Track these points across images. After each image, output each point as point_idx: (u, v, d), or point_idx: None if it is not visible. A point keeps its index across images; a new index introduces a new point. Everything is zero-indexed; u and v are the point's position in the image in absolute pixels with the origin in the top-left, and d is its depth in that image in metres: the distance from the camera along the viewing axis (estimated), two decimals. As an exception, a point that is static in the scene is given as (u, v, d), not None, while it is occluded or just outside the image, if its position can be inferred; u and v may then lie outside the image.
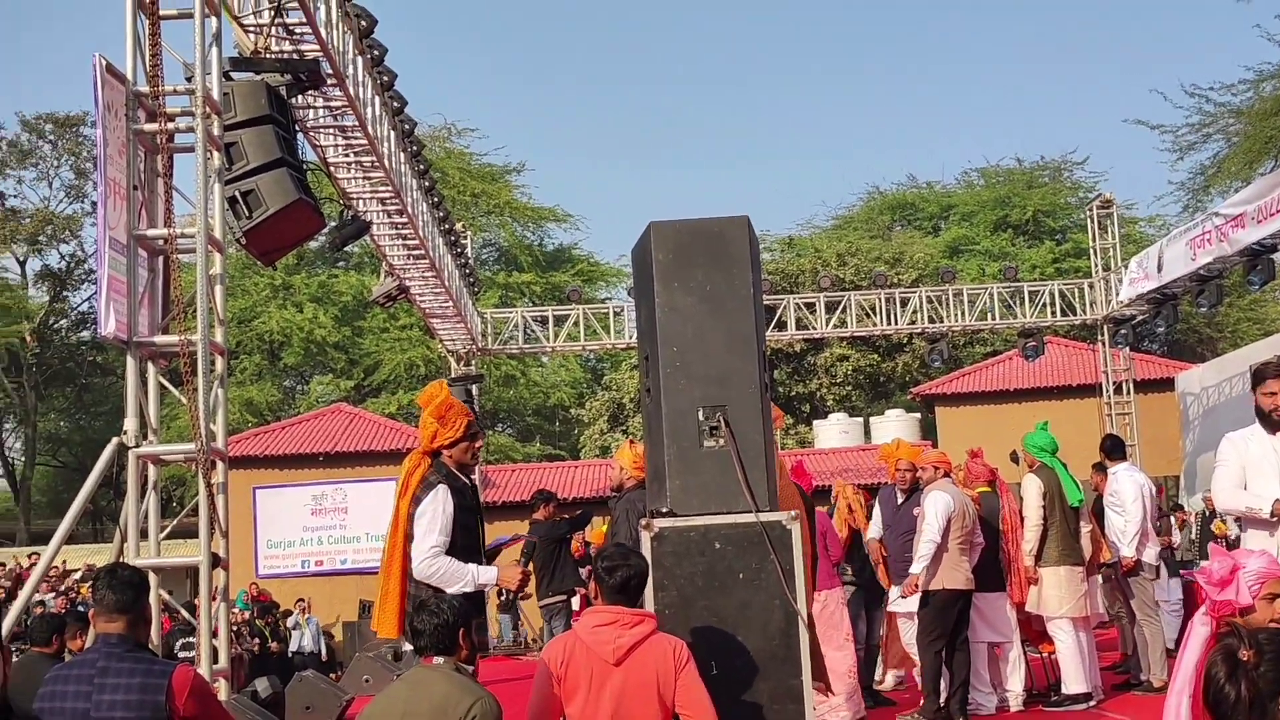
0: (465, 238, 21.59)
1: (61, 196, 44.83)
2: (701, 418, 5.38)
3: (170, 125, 8.36)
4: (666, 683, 4.69)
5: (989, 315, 23.65)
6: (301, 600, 23.46)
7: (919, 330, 23.80)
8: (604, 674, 4.71)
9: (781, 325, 23.30)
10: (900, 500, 9.90)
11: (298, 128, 10.52)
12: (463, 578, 5.85)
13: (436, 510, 5.87)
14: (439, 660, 4.64)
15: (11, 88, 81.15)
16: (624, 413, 37.32)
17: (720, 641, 5.19)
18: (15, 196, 44.97)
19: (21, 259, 45.32)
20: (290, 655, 21.18)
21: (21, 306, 42.62)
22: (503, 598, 16.32)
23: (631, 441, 8.33)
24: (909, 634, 9.95)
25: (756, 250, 5.73)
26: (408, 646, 5.18)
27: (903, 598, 9.52)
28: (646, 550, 5.25)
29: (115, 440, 8.05)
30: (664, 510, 5.38)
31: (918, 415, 32.30)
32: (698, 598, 5.25)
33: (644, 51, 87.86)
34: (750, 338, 5.49)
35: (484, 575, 5.96)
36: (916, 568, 8.88)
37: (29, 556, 24.90)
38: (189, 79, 8.30)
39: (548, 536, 13.62)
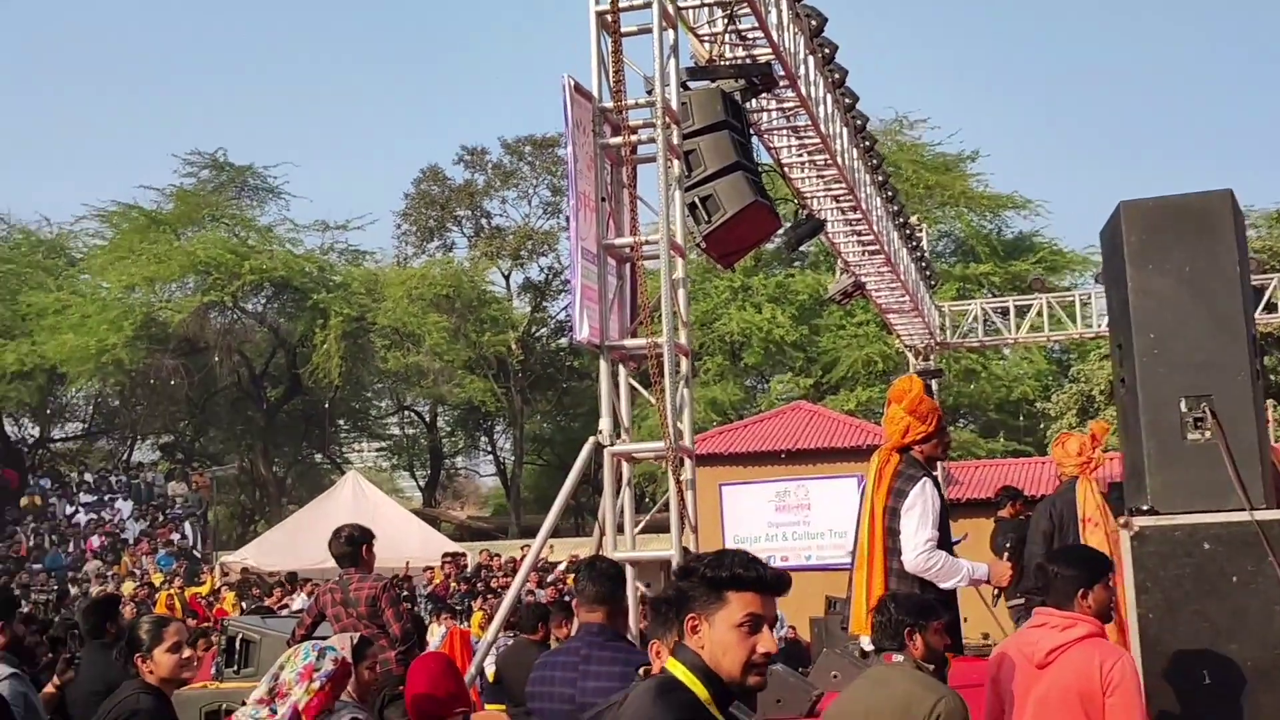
0: (920, 230, 21.30)
1: (540, 213, 48.22)
2: (1184, 409, 5.04)
3: (633, 138, 8.74)
4: (1092, 701, 4.38)
5: None
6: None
7: None
8: (1029, 677, 4.52)
9: (1271, 307, 21.44)
10: None
11: (752, 131, 10.73)
12: (959, 572, 5.65)
13: (926, 504, 5.64)
14: (899, 658, 4.58)
15: (495, 114, 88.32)
16: (1094, 405, 35.51)
17: (1212, 650, 4.84)
18: (500, 215, 48.92)
19: (506, 273, 49.11)
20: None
21: (507, 317, 46.16)
22: (997, 595, 16.00)
23: (1065, 436, 7.91)
24: None
25: (1242, 226, 5.32)
26: (866, 644, 5.13)
27: None
28: (1126, 550, 4.95)
29: (592, 439, 8.51)
30: (1144, 508, 5.06)
31: None
32: (1185, 602, 4.90)
33: (1102, 20, 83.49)
34: (1238, 320, 5.10)
35: (979, 571, 5.77)
36: None
37: (520, 549, 26.91)
38: (649, 92, 8.65)
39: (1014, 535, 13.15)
